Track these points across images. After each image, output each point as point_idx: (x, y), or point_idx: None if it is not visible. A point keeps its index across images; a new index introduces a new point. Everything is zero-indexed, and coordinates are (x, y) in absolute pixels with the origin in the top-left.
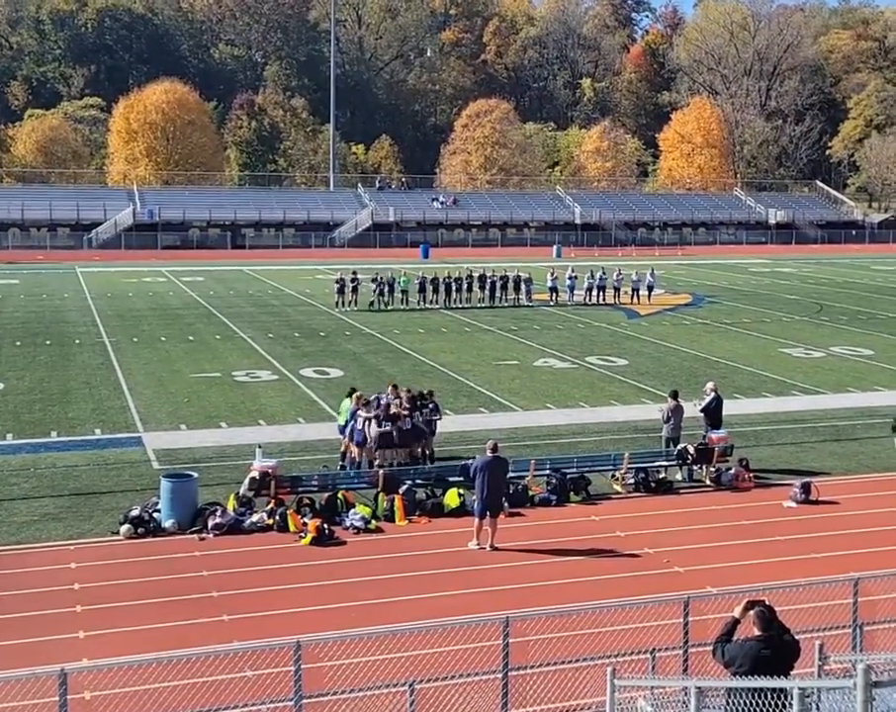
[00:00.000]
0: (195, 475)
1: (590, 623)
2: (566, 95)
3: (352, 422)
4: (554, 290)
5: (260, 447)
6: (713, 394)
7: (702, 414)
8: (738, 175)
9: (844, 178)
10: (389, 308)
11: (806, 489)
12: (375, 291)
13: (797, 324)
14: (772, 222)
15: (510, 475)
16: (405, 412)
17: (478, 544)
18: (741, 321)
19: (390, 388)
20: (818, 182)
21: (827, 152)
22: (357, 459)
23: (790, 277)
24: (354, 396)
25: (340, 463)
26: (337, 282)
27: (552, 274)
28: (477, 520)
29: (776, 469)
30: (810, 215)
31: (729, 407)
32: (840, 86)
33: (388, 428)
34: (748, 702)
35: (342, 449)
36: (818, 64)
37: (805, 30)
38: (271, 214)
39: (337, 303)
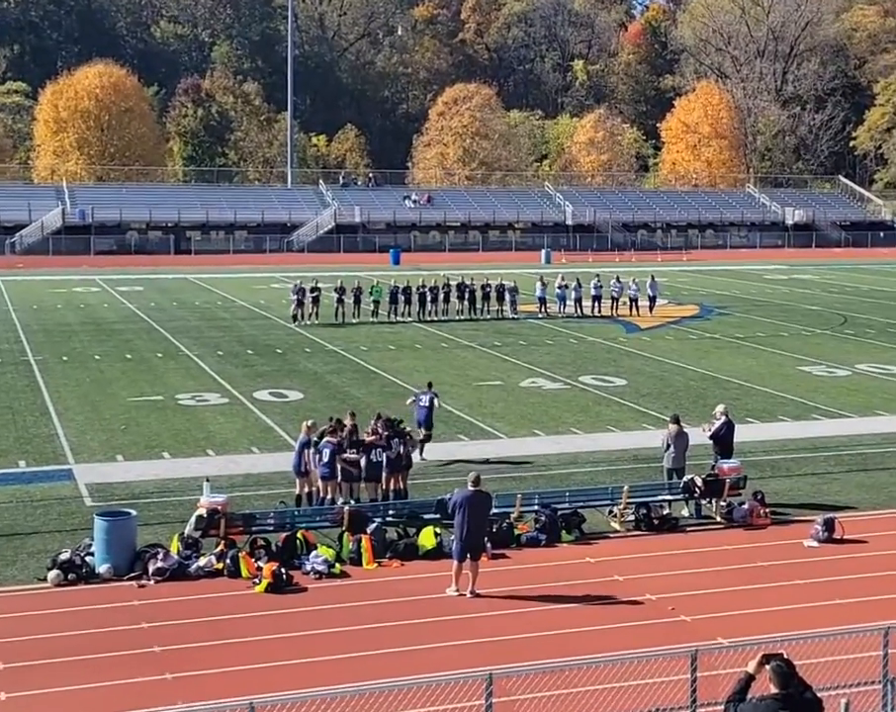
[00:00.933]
0: (133, 513)
1: (585, 680)
2: (555, 79)
3: (313, 454)
4: (542, 300)
5: (208, 481)
6: (723, 418)
7: (711, 441)
8: (750, 170)
9: (870, 173)
10: (355, 320)
11: (829, 526)
12: (337, 302)
13: (818, 339)
14: (790, 222)
15: (494, 511)
16: (380, 441)
17: (457, 590)
18: (755, 336)
19: (348, 417)
20: (841, 177)
21: (851, 144)
22: (324, 494)
23: (810, 285)
24: (304, 425)
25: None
26: (295, 292)
27: (541, 282)
28: (455, 563)
29: (796, 503)
30: (832, 214)
31: (742, 433)
32: (865, 69)
33: (353, 456)
34: None
35: (297, 492)
36: (840, 44)
37: (826, 6)
38: (220, 214)
39: (296, 316)
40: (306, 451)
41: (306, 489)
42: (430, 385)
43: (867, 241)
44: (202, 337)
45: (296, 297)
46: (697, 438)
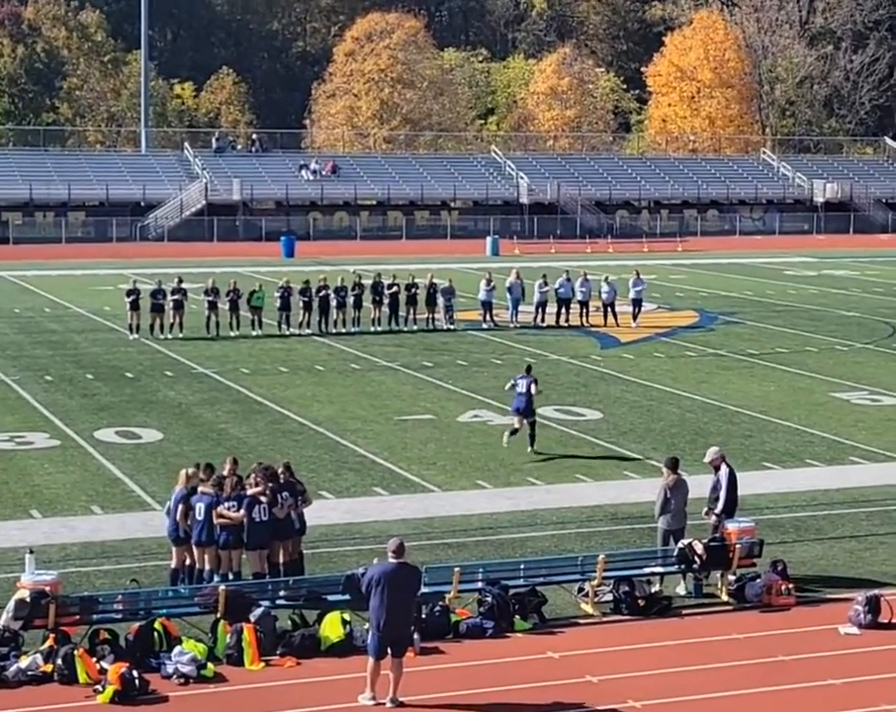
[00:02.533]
0: None
1: None
2: (504, 7)
3: (191, 508)
4: (488, 306)
5: (32, 552)
6: (724, 467)
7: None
8: (767, 130)
9: None
10: (233, 333)
11: (874, 606)
12: (208, 308)
13: (859, 356)
14: (820, 199)
15: (423, 591)
16: (265, 495)
17: (372, 697)
18: (773, 352)
19: (228, 463)
20: (887, 140)
21: None
22: (199, 565)
23: (847, 283)
24: (183, 473)
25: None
26: (130, 293)
27: (487, 281)
28: (372, 661)
29: (829, 576)
30: (876, 188)
31: (753, 483)
32: None
33: (235, 514)
34: None
35: (173, 565)
36: None
37: None
38: (48, 190)
39: (132, 326)
40: (181, 507)
41: (187, 561)
42: (529, 368)
43: None
44: (23, 356)
45: (129, 301)
46: (696, 490)
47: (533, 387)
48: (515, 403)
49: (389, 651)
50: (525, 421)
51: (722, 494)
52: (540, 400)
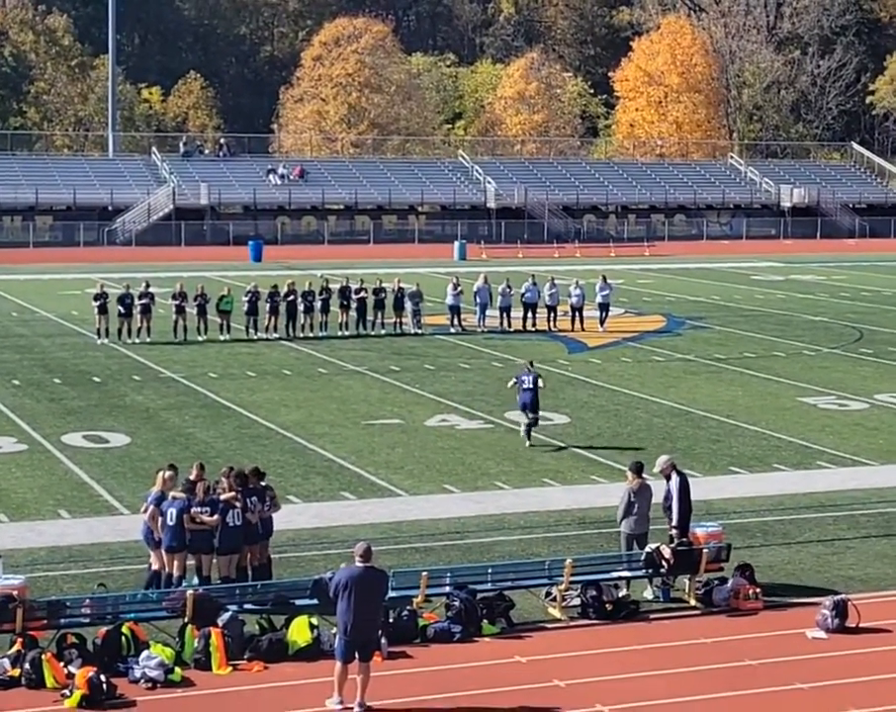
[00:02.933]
0: None
1: None
2: (472, 12)
3: (162, 514)
4: (455, 310)
5: (0, 556)
6: (675, 475)
7: (678, 524)
8: (734, 134)
9: (893, 139)
10: (201, 338)
11: (840, 610)
12: (175, 312)
13: (826, 360)
14: (787, 204)
15: (391, 595)
16: (237, 500)
17: (340, 701)
18: (741, 357)
19: (194, 469)
20: (854, 145)
21: (868, 100)
22: (169, 569)
23: (814, 288)
24: (160, 475)
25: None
26: (97, 297)
27: (454, 285)
28: (339, 665)
29: (795, 580)
30: (843, 194)
31: (721, 488)
32: (886, 0)
33: (209, 518)
34: None
35: (154, 567)
36: None
37: None
38: (16, 194)
39: (100, 330)
40: (151, 509)
41: (177, 573)
42: (531, 363)
43: (889, 230)
44: None
45: (97, 305)
46: (660, 493)
47: (540, 381)
48: (522, 400)
49: (356, 655)
50: (529, 416)
51: (674, 505)
52: (505, 404)
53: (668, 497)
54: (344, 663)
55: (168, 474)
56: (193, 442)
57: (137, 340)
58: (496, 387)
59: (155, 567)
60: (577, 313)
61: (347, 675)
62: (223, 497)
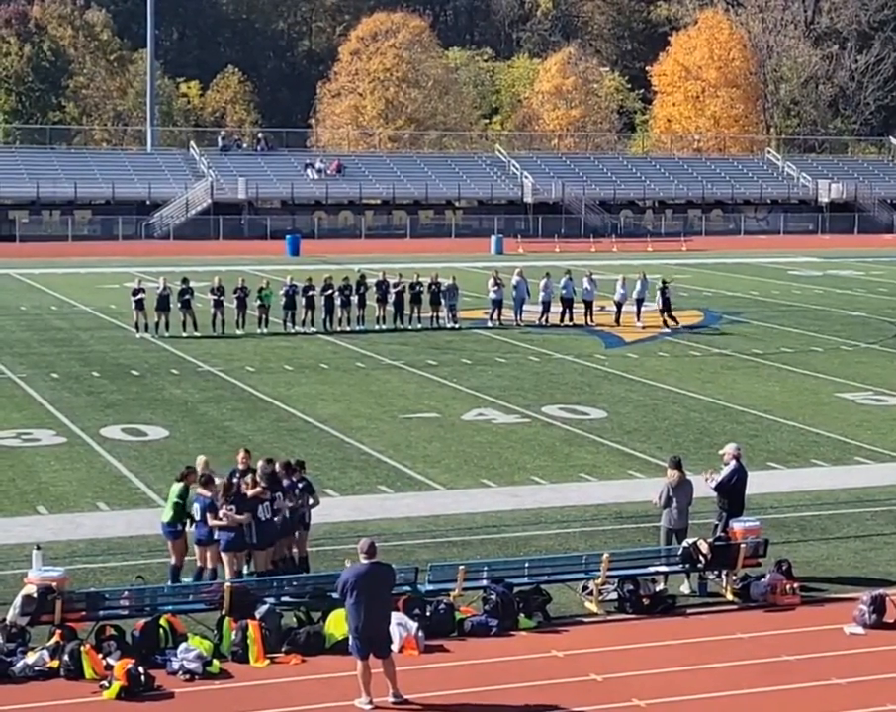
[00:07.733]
0: None
1: None
2: (509, 6)
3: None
4: (499, 303)
5: (39, 549)
6: (733, 462)
7: (716, 493)
8: (772, 129)
9: None
10: (240, 332)
11: (878, 605)
12: (214, 306)
13: (864, 356)
14: (825, 199)
15: (430, 588)
16: (265, 494)
17: (369, 701)
18: (778, 352)
19: (241, 455)
20: (892, 140)
21: None
22: (201, 563)
23: (852, 283)
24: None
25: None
26: (136, 292)
27: (495, 281)
28: (360, 664)
29: (834, 576)
30: (881, 189)
31: (761, 483)
32: None
33: (238, 516)
34: None
35: (199, 563)
36: None
37: None
38: (55, 188)
39: (138, 324)
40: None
41: (210, 565)
42: (300, 465)
43: None
44: (30, 354)
45: (135, 300)
46: (702, 489)
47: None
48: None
49: (371, 652)
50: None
51: (723, 472)
52: (542, 398)
53: (729, 479)
54: (363, 658)
55: (187, 470)
56: (230, 435)
57: (184, 334)
58: (533, 381)
59: (199, 563)
60: (619, 308)
61: (370, 673)
62: (249, 493)
